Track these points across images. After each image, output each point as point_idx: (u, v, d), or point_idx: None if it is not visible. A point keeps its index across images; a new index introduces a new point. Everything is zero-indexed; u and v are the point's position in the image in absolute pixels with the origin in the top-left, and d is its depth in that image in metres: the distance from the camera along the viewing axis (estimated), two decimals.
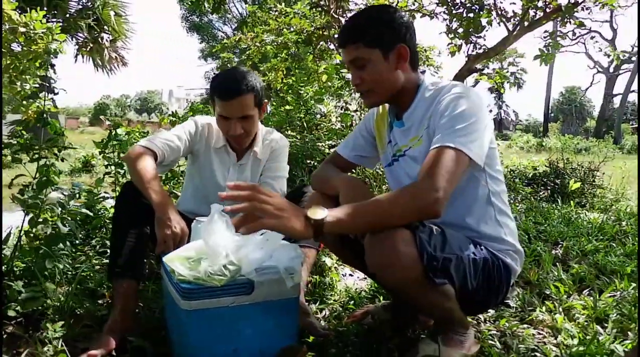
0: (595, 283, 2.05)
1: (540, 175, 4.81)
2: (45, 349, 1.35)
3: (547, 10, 4.35)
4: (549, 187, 4.49)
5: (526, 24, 4.50)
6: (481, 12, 4.50)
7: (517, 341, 1.52)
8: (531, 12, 4.43)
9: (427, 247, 1.14)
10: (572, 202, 4.01)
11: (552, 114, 44.04)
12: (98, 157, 6.92)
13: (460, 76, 4.84)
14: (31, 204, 1.81)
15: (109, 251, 1.66)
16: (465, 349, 1.33)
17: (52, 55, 2.39)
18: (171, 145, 1.74)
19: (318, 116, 4.30)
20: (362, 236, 1.21)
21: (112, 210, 2.57)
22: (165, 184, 3.12)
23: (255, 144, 1.88)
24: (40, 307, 1.59)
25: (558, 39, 4.83)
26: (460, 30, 4.64)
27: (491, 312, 1.75)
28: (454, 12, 4.61)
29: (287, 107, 4.20)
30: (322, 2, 5.25)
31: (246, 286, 1.23)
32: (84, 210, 2.09)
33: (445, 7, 4.68)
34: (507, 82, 5.26)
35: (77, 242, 2.32)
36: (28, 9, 2.71)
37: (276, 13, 5.83)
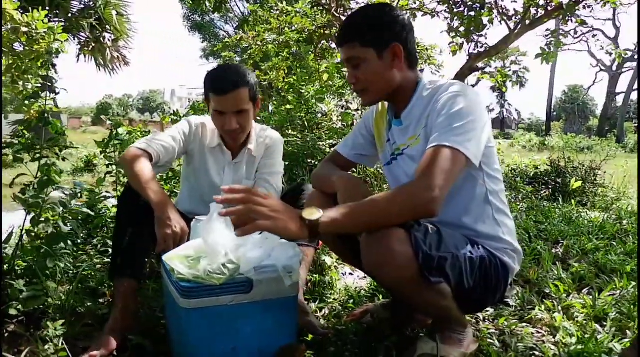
0: (595, 282, 2.05)
1: (542, 174, 4.80)
2: (46, 347, 1.36)
3: (549, 8, 4.35)
4: (550, 186, 4.48)
5: (527, 22, 4.50)
6: (482, 11, 4.50)
7: (516, 339, 1.52)
8: (532, 11, 4.43)
9: (423, 246, 1.15)
10: (573, 201, 4.01)
11: (555, 113, 43.89)
12: (100, 157, 6.94)
13: (462, 75, 4.84)
14: (32, 204, 1.82)
15: (110, 250, 1.67)
16: (464, 347, 1.33)
17: (54, 55, 2.40)
18: (166, 146, 1.74)
19: (319, 115, 4.30)
20: (360, 234, 1.22)
21: (114, 209, 2.60)
22: (166, 184, 3.14)
23: (250, 142, 1.89)
24: (41, 306, 1.60)
25: (560, 37, 4.83)
26: (462, 29, 4.64)
27: (490, 311, 1.75)
28: (455, 10, 4.62)
29: (288, 106, 4.21)
30: (323, 1, 5.25)
31: (245, 285, 1.24)
32: (85, 209, 2.10)
33: (446, 5, 4.69)
34: (510, 80, 5.27)
35: (78, 241, 2.34)
36: (30, 8, 2.73)
37: (277, 12, 5.84)
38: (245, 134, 1.85)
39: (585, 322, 1.64)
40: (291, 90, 4.47)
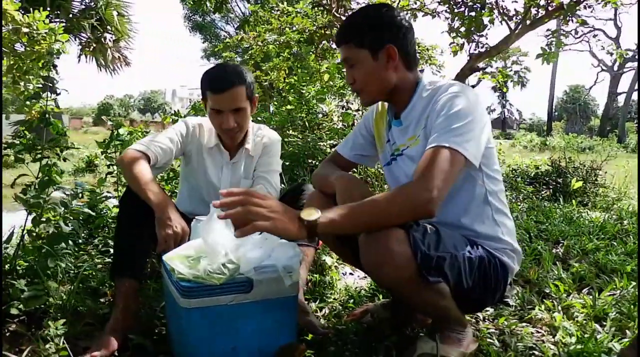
0: (595, 282, 2.05)
1: (543, 175, 4.80)
2: (47, 346, 1.37)
3: (549, 8, 4.34)
4: (551, 186, 4.48)
5: (528, 22, 4.49)
6: (483, 11, 4.49)
7: (516, 339, 1.52)
8: (533, 11, 4.42)
9: (421, 246, 1.15)
10: (574, 201, 4.01)
11: (556, 113, 43.82)
12: (101, 157, 6.94)
13: (463, 75, 4.83)
14: (33, 204, 1.82)
15: (111, 250, 1.68)
16: (464, 347, 1.33)
17: (55, 56, 2.41)
18: (163, 147, 1.74)
19: (320, 115, 4.31)
20: (359, 234, 1.22)
21: (115, 210, 2.60)
22: (166, 184, 3.14)
23: (247, 141, 1.89)
24: (42, 306, 1.61)
25: (561, 37, 4.82)
26: (462, 29, 4.64)
27: (490, 310, 1.75)
28: (455, 10, 4.61)
29: (289, 106, 4.21)
30: (324, 1, 5.25)
31: (245, 284, 1.24)
32: (86, 209, 2.11)
33: (446, 5, 4.68)
34: (511, 80, 5.26)
35: (79, 241, 2.34)
36: (31, 9, 2.74)
37: (278, 12, 5.84)
38: (243, 133, 1.85)
39: (585, 322, 1.64)
40: (292, 90, 4.48)
